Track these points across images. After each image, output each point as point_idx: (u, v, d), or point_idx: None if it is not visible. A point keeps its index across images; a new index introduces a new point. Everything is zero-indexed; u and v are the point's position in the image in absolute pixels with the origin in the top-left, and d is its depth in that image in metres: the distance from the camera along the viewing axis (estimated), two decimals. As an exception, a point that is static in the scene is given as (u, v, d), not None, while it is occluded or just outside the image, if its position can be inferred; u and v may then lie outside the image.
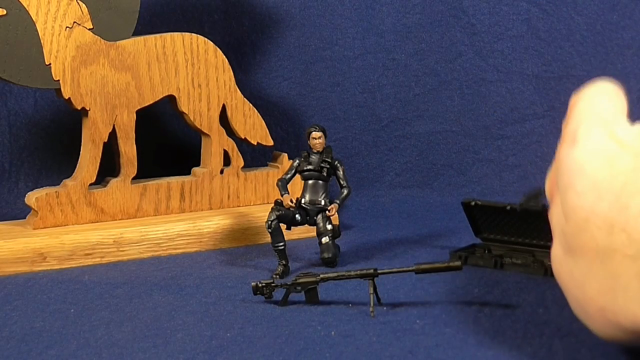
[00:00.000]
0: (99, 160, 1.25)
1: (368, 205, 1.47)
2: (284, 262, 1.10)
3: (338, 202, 1.13)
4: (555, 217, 0.77)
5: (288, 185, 1.15)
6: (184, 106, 1.29)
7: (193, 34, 1.29)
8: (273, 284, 0.97)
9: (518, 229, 1.11)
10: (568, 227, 0.72)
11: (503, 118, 1.52)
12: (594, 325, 0.72)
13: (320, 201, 1.14)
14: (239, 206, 1.32)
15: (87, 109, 1.23)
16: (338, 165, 1.14)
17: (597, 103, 0.76)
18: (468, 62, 1.53)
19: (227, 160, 1.33)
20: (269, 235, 1.11)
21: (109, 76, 1.23)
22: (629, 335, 0.70)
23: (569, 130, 0.76)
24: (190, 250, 1.23)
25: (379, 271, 0.94)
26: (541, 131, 1.51)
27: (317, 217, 1.13)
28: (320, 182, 1.14)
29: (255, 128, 1.35)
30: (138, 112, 1.26)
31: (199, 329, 0.90)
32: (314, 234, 1.14)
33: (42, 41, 1.19)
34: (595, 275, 0.70)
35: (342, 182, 1.14)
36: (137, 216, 1.26)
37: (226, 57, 1.31)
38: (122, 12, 1.24)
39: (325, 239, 1.13)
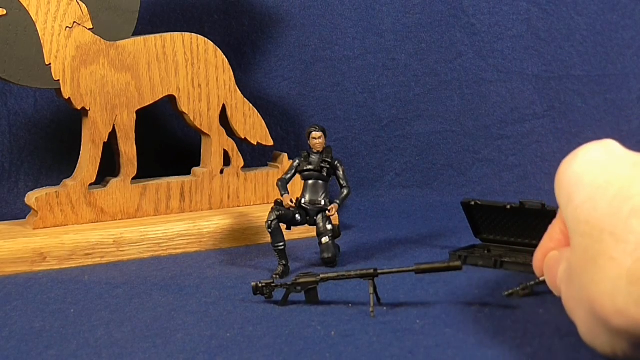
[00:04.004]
0: (99, 160, 1.25)
1: (368, 205, 1.47)
2: (284, 262, 1.10)
3: (338, 202, 1.13)
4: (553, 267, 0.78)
5: (288, 185, 1.15)
6: (184, 106, 1.29)
7: (193, 34, 1.29)
8: (273, 284, 0.97)
9: (518, 229, 1.11)
10: (572, 247, 0.73)
11: (503, 118, 1.52)
12: (599, 343, 0.72)
13: (320, 201, 1.14)
14: (239, 206, 1.32)
15: (87, 109, 1.23)
16: (338, 165, 1.14)
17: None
18: (468, 62, 1.53)
19: (227, 160, 1.33)
20: (269, 235, 1.11)
21: (109, 76, 1.23)
22: (627, 340, 0.69)
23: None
24: (190, 250, 1.23)
25: (379, 271, 0.94)
26: (541, 131, 1.51)
27: (317, 217, 1.13)
28: (320, 182, 1.14)
29: (255, 128, 1.35)
30: (138, 112, 1.26)
31: (199, 329, 0.90)
32: (314, 234, 1.14)
33: (42, 41, 1.19)
34: (585, 285, 0.70)
35: (342, 182, 1.14)
36: (137, 216, 1.26)
37: (226, 57, 1.31)
38: (122, 12, 1.24)
39: (325, 239, 1.13)
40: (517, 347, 0.80)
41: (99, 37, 1.22)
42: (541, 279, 0.85)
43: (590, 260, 0.69)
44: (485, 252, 1.12)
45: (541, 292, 0.95)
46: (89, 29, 1.22)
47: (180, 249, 1.22)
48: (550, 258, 0.82)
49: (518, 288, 0.94)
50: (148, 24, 1.46)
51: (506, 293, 0.95)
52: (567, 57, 1.51)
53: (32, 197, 1.21)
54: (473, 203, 1.12)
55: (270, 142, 1.37)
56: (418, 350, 0.81)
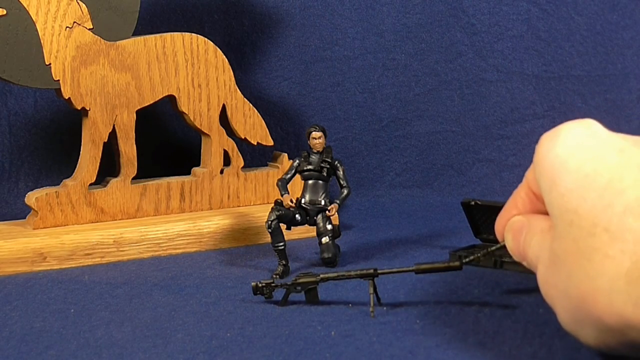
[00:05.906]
0: (99, 160, 1.25)
1: (368, 205, 1.47)
2: (284, 262, 1.10)
3: (338, 202, 1.13)
4: (519, 241, 0.77)
5: (288, 185, 1.15)
6: (184, 106, 1.29)
7: (193, 34, 1.29)
8: (273, 284, 0.97)
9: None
10: (556, 233, 0.71)
11: (503, 118, 1.52)
12: (584, 333, 0.71)
13: (320, 201, 1.14)
14: (239, 206, 1.32)
15: (87, 109, 1.23)
16: (338, 165, 1.14)
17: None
18: (468, 62, 1.53)
19: (227, 160, 1.33)
20: (269, 235, 1.11)
21: (109, 76, 1.23)
22: (617, 337, 0.69)
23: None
24: (190, 250, 1.23)
25: (379, 271, 0.94)
26: (541, 131, 1.48)
27: (317, 217, 1.13)
28: (320, 182, 1.14)
29: (255, 128, 1.35)
30: (138, 112, 1.26)
31: (199, 329, 0.90)
32: (314, 234, 1.14)
33: (42, 41, 1.19)
34: (576, 279, 0.69)
35: (342, 182, 1.14)
36: (137, 216, 1.26)
37: (226, 57, 1.31)
38: (122, 12, 1.24)
39: (325, 239, 1.13)
40: (517, 347, 0.80)
41: (99, 37, 1.22)
42: (502, 243, 0.84)
43: (582, 254, 0.68)
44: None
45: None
46: (89, 29, 1.22)
47: (180, 249, 1.22)
48: (514, 222, 0.81)
49: (479, 254, 0.93)
50: (148, 24, 1.46)
51: (466, 260, 0.93)
52: (567, 57, 1.51)
53: (32, 197, 1.21)
54: (473, 203, 1.12)
55: (270, 142, 1.37)
56: (418, 350, 0.81)
